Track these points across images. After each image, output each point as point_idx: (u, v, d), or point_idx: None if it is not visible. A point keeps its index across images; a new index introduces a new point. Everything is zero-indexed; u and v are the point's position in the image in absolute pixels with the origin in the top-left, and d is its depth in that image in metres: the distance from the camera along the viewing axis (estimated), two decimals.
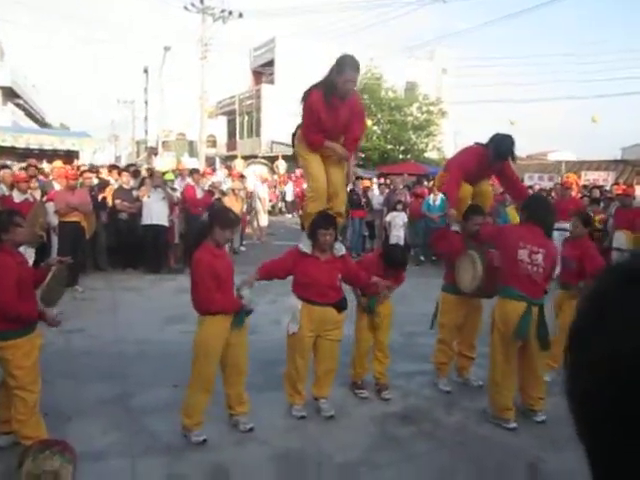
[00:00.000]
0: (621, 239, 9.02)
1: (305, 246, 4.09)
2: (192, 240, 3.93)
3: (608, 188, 13.47)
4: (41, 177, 9.83)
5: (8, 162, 14.63)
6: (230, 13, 23.03)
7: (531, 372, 4.12)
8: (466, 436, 3.96)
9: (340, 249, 4.20)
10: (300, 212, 4.21)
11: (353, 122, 4.15)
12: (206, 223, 3.93)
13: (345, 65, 3.86)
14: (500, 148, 4.57)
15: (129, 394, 4.42)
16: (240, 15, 23.13)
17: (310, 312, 4.04)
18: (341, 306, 4.15)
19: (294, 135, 4.31)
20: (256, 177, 14.80)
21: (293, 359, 4.14)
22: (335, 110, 3.99)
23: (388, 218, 11.19)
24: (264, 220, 13.36)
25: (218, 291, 3.68)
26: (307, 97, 4.01)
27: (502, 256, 4.05)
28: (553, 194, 11.52)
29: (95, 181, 9.74)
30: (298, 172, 18.74)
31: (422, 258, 11.06)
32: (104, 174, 11.01)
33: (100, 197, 9.27)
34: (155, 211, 9.18)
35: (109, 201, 9.34)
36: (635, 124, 72.99)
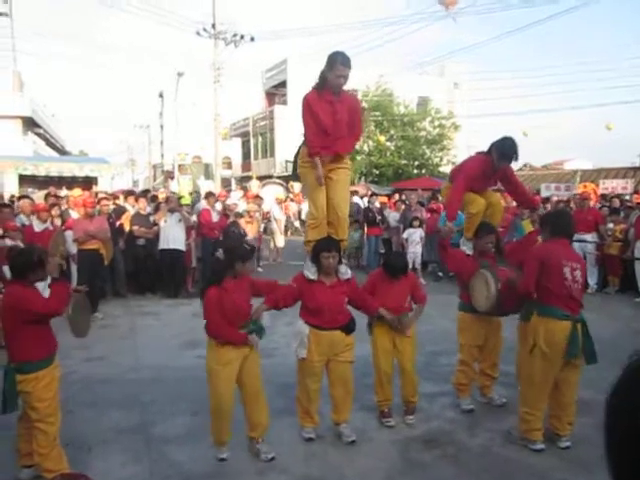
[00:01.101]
0: None
1: (310, 272, 4.05)
2: (211, 278, 3.88)
3: (628, 196, 13.27)
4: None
5: (29, 189, 15.01)
6: (242, 37, 23.40)
7: (565, 395, 4.00)
8: (491, 459, 3.86)
9: (346, 272, 4.16)
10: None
11: (354, 118, 4.16)
12: (223, 259, 3.90)
13: (336, 61, 3.95)
14: (503, 149, 4.53)
15: (148, 422, 4.41)
16: (252, 39, 23.47)
17: (318, 337, 4.00)
18: (349, 328, 4.10)
19: (296, 156, 4.32)
20: (273, 200, 14.87)
21: (303, 383, 4.10)
22: (331, 105, 4.02)
23: (405, 235, 11.13)
24: (281, 241, 13.39)
25: (227, 325, 3.69)
26: (303, 101, 4.09)
27: (547, 275, 3.88)
28: (572, 204, 11.38)
29: (112, 207, 9.85)
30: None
31: (440, 274, 10.96)
32: (121, 200, 11.14)
33: (117, 224, 9.38)
34: (172, 235, 9.25)
35: (126, 227, 9.44)
36: None
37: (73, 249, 8.01)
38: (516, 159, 4.62)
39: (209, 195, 10.96)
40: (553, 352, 3.83)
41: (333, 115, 4.02)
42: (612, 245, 9.66)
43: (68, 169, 16.41)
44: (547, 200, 13.03)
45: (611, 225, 9.74)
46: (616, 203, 10.65)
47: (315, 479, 3.63)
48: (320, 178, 4.06)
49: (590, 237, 9.84)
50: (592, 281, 9.86)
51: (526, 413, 3.96)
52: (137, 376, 5.46)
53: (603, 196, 13.35)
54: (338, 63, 3.94)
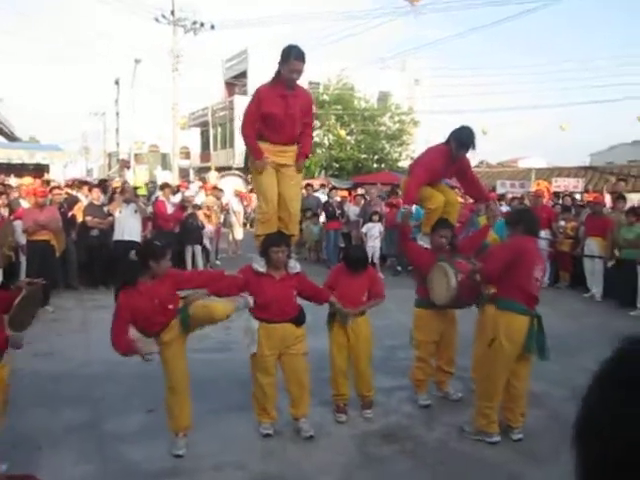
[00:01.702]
0: (592, 246, 9.17)
1: (259, 265, 4.04)
2: (124, 280, 3.75)
3: (578, 195, 13.71)
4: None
5: None
6: (202, 25, 22.96)
7: (517, 388, 4.09)
8: (447, 453, 3.92)
9: (295, 267, 4.16)
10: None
11: (306, 117, 4.19)
12: (135, 262, 3.79)
13: (290, 55, 3.91)
14: (461, 137, 4.61)
15: (101, 420, 4.28)
16: (212, 27, 23.06)
17: (268, 331, 3.99)
18: (299, 320, 4.12)
19: (247, 156, 4.28)
20: (232, 192, 14.69)
21: (257, 379, 4.08)
22: (284, 99, 3.99)
23: (364, 229, 11.19)
24: (239, 233, 13.25)
25: (121, 333, 3.64)
26: (254, 92, 4.09)
27: (517, 270, 3.92)
28: (526, 201, 11.67)
29: (64, 197, 9.52)
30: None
31: (399, 268, 11.07)
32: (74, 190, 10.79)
33: (70, 214, 9.07)
34: (127, 227, 9.00)
35: (79, 218, 9.14)
36: (603, 131, 74.91)
37: (22, 240, 7.71)
38: (473, 147, 4.70)
39: (165, 186, 10.73)
40: (512, 346, 3.91)
41: (285, 109, 4.00)
42: (563, 242, 9.97)
43: (17, 156, 15.74)
44: (502, 197, 13.35)
45: (563, 223, 10.04)
46: (568, 201, 10.99)
47: (273, 475, 3.60)
48: (262, 166, 4.05)
49: (543, 234, 10.12)
50: (544, 277, 10.15)
51: (486, 407, 4.01)
52: (89, 372, 5.30)
53: (556, 194, 13.75)
54: (292, 57, 3.91)
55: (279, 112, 3.99)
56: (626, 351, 0.58)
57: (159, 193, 10.82)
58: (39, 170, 15.55)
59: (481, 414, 4.03)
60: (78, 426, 4.16)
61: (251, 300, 3.99)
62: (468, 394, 4.85)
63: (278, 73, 3.99)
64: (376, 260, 10.84)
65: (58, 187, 9.70)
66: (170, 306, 3.73)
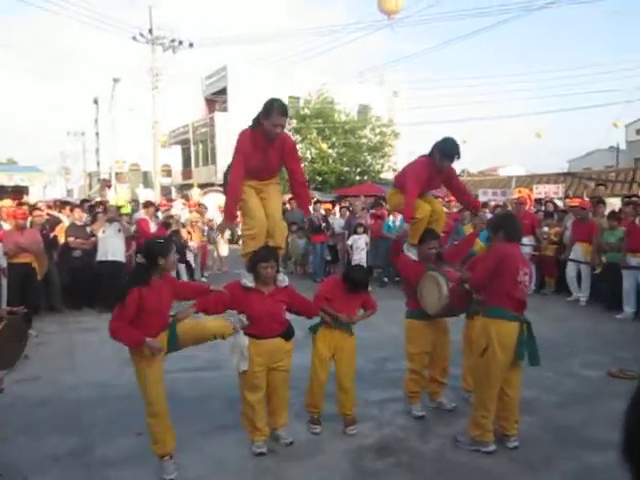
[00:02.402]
0: (579, 251, 9.26)
1: (248, 280, 4.02)
2: (135, 280, 3.67)
3: (559, 201, 13.86)
4: None
5: None
6: (180, 43, 23.00)
7: (511, 396, 4.07)
8: (443, 464, 3.88)
9: (283, 280, 4.15)
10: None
11: (290, 163, 4.27)
12: (145, 261, 3.72)
13: (273, 110, 3.93)
14: (445, 148, 4.63)
15: (89, 446, 4.16)
16: (190, 45, 23.11)
17: (258, 347, 3.95)
18: (288, 334, 4.10)
19: (227, 171, 4.27)
20: (215, 208, 14.62)
21: (246, 397, 4.02)
22: (263, 152, 4.06)
23: (350, 241, 11.19)
24: (224, 250, 13.16)
25: (128, 325, 3.54)
26: (240, 135, 4.10)
27: (502, 276, 3.92)
28: (510, 208, 11.79)
29: (45, 218, 9.37)
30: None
31: (385, 280, 11.07)
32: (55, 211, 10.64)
33: (51, 235, 8.92)
34: (111, 246, 8.90)
35: (60, 239, 9.00)
36: (579, 138, 76.24)
37: (3, 263, 7.55)
38: (458, 158, 4.72)
39: (148, 205, 10.64)
40: (505, 353, 3.89)
41: (264, 161, 4.09)
42: (548, 247, 10.06)
43: None
44: (485, 205, 13.47)
45: (546, 229, 10.14)
46: (550, 207, 11.11)
47: None
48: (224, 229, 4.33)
49: (527, 240, 10.22)
50: (531, 281, 10.23)
51: (482, 417, 3.98)
52: (76, 396, 5.17)
53: (537, 200, 13.91)
54: (275, 112, 3.92)
55: (258, 164, 4.09)
56: None
57: (142, 212, 10.72)
58: (18, 192, 15.36)
59: (476, 424, 4.00)
60: (66, 453, 4.04)
61: (245, 319, 3.94)
62: (461, 403, 4.83)
63: (258, 121, 4.00)
64: (369, 276, 10.82)
65: (38, 208, 9.54)
66: (167, 309, 3.70)
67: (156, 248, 3.69)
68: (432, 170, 4.69)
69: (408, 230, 4.79)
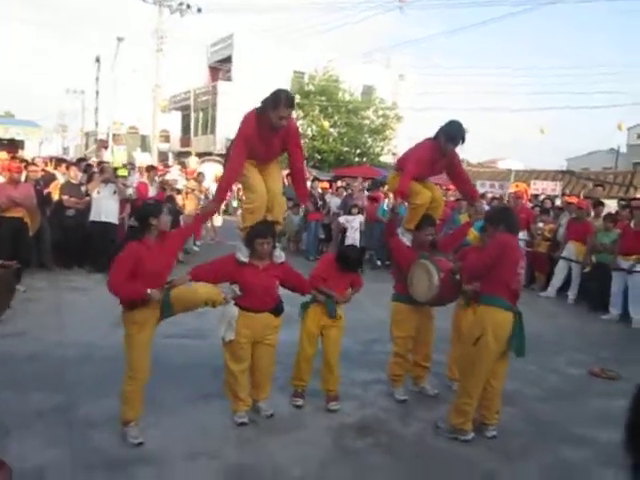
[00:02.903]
0: (571, 250, 9.30)
1: (243, 255, 4.02)
2: (130, 238, 3.71)
3: (558, 200, 13.89)
4: None
5: None
6: (188, 7, 22.62)
7: (495, 386, 4.12)
8: (422, 448, 3.93)
9: (280, 256, 4.16)
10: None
11: (291, 146, 4.24)
12: (136, 225, 3.77)
13: (280, 102, 3.90)
14: (450, 131, 4.59)
15: (73, 404, 4.18)
16: (199, 10, 22.73)
17: (247, 320, 3.96)
18: (278, 310, 4.12)
19: (229, 149, 4.25)
20: (212, 177, 14.52)
21: (229, 367, 4.06)
22: (267, 138, 4.04)
23: (341, 220, 11.18)
24: (218, 220, 13.12)
25: (128, 280, 3.54)
26: (246, 117, 4.05)
27: (503, 266, 3.93)
28: (508, 202, 11.82)
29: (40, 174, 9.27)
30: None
31: (378, 263, 11.09)
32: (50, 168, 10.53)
33: (45, 192, 8.83)
34: (104, 208, 8.84)
35: (54, 196, 8.92)
36: (580, 136, 76.11)
37: None
38: (462, 142, 4.67)
39: (149, 169, 10.56)
40: (498, 342, 3.92)
41: (267, 147, 4.09)
42: (541, 244, 10.10)
43: None
44: (482, 196, 13.48)
45: (541, 224, 10.17)
46: (548, 204, 11.12)
47: (248, 466, 3.56)
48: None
49: (521, 235, 10.25)
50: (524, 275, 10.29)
51: (465, 404, 4.02)
52: (62, 354, 5.17)
53: (534, 196, 13.92)
54: (282, 104, 3.90)
55: (261, 150, 4.08)
56: None
57: (136, 175, 10.64)
58: (13, 146, 15.17)
59: (459, 411, 4.04)
60: (49, 410, 4.05)
61: (237, 289, 3.95)
62: (445, 391, 4.88)
63: (264, 111, 3.95)
64: (362, 256, 10.83)
65: (34, 164, 9.43)
66: (167, 268, 3.72)
67: (147, 209, 3.71)
68: (436, 153, 4.65)
69: (399, 206, 4.76)
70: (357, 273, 4.60)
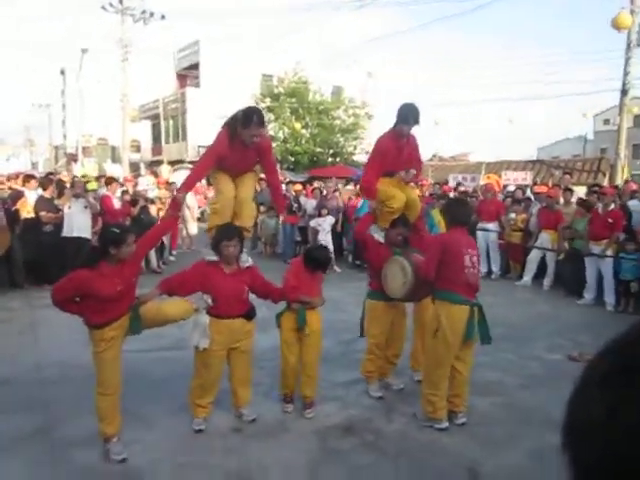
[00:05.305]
0: (545, 239, 9.45)
1: (211, 256, 4.02)
2: (84, 262, 3.63)
3: (528, 189, 14.12)
4: None
5: None
6: (152, 14, 22.39)
7: (462, 374, 4.20)
8: (407, 443, 3.96)
9: (246, 260, 4.15)
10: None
11: (265, 164, 4.39)
12: (96, 247, 3.73)
13: (251, 122, 3.97)
14: (401, 113, 4.60)
15: (53, 424, 4.11)
16: (162, 17, 22.52)
17: (219, 326, 3.94)
18: (249, 316, 4.10)
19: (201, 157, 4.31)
20: None
21: (201, 374, 4.04)
22: (241, 153, 4.10)
23: (312, 223, 11.19)
24: (193, 228, 13.02)
25: (70, 302, 3.60)
26: (218, 137, 4.13)
27: (448, 263, 4.02)
28: (479, 193, 11.95)
29: (7, 192, 9.09)
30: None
31: (357, 262, 11.12)
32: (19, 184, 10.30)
33: (13, 209, 8.65)
34: (77, 222, 8.71)
35: (22, 213, 8.74)
36: (549, 125, 77.42)
37: None
38: (416, 122, 4.64)
39: (111, 181, 10.36)
40: (454, 334, 4.01)
41: (240, 161, 4.17)
42: (512, 234, 10.24)
43: None
44: (455, 189, 13.63)
45: (513, 215, 10.30)
46: (519, 194, 11.28)
47: (235, 472, 3.55)
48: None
49: (492, 226, 10.39)
50: (495, 267, 10.44)
51: (432, 394, 4.12)
52: (39, 375, 5.08)
53: (504, 187, 14.10)
54: (253, 124, 3.97)
55: (234, 164, 4.17)
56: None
57: (104, 188, 10.44)
58: None
59: (427, 401, 4.13)
60: (30, 432, 3.98)
61: (210, 300, 3.92)
62: (414, 384, 4.93)
63: (235, 128, 4.02)
64: (330, 254, 10.85)
65: (1, 182, 9.24)
66: (127, 292, 3.64)
67: (109, 237, 3.58)
68: (397, 141, 4.67)
69: (372, 208, 4.79)
70: (324, 272, 4.57)
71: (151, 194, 11.60)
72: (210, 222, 4.29)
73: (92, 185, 9.78)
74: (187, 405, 4.28)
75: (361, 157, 26.91)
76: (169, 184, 12.65)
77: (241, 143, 4.04)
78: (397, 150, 4.68)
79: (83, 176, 9.85)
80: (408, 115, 4.60)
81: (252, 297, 4.23)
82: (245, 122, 3.96)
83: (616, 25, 12.76)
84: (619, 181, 14.98)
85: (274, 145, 24.22)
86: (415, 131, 4.77)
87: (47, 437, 3.94)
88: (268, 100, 25.55)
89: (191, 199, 13.51)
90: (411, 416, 4.34)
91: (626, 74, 15.09)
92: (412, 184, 5.18)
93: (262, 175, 5.02)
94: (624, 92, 15.34)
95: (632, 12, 13.83)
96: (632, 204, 8.96)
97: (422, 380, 4.36)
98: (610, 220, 8.13)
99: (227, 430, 4.09)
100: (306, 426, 4.19)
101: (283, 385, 4.46)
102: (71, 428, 4.03)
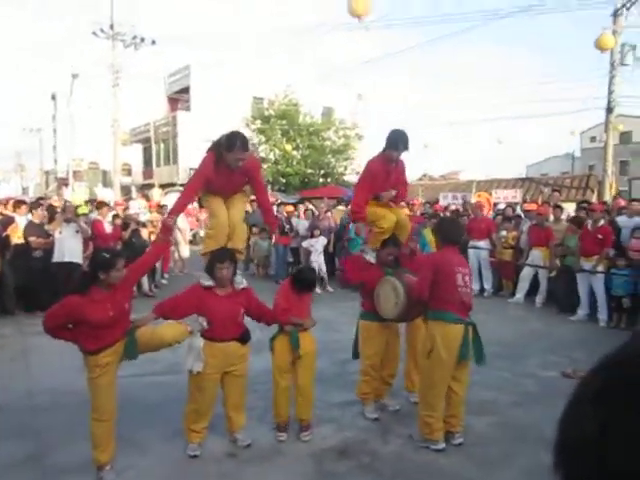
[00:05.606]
0: (536, 256, 9.50)
1: (205, 280, 4.03)
2: (75, 288, 3.63)
3: (518, 206, 14.24)
4: None
5: None
6: (142, 40, 22.59)
7: (458, 394, 4.19)
8: (403, 465, 3.93)
9: (241, 282, 4.15)
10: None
11: (254, 185, 4.45)
12: (87, 271, 3.74)
13: (234, 146, 4.02)
14: (390, 138, 4.66)
15: (45, 452, 4.05)
16: (153, 42, 22.73)
17: (213, 349, 3.93)
18: (244, 338, 4.09)
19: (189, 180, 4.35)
20: None
21: (196, 399, 4.00)
22: (228, 176, 4.15)
23: (305, 244, 11.21)
24: (185, 251, 12.99)
25: (62, 329, 3.61)
26: (204, 160, 4.17)
27: (440, 282, 4.03)
28: (470, 212, 12.03)
29: None
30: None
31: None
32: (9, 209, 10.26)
33: (3, 235, 8.61)
34: (68, 247, 8.66)
35: (12, 239, 8.70)
36: (537, 143, 78.33)
37: None
38: (405, 147, 4.69)
39: (101, 205, 10.36)
40: (449, 355, 4.01)
41: (228, 183, 4.22)
42: (504, 252, 10.30)
43: None
44: (445, 209, 13.72)
45: (504, 232, 10.37)
46: (509, 212, 11.37)
47: None
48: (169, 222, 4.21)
49: (483, 244, 10.45)
50: (487, 285, 10.47)
51: (428, 416, 4.10)
52: (31, 402, 5.02)
53: (494, 205, 14.23)
54: (237, 148, 4.02)
55: (221, 186, 4.22)
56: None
57: (94, 212, 10.43)
58: None
59: (424, 423, 4.11)
60: (22, 459, 3.92)
61: (205, 322, 3.91)
62: (410, 405, 4.90)
63: (220, 154, 4.07)
64: (323, 274, 10.88)
65: None
66: (121, 317, 3.63)
67: (98, 262, 3.58)
68: (386, 164, 4.73)
69: (359, 229, 4.82)
70: (311, 292, 4.55)
71: (142, 217, 11.59)
72: (205, 246, 4.30)
73: (83, 209, 9.76)
74: (181, 430, 4.24)
75: (352, 177, 27.06)
76: (160, 207, 12.65)
77: (227, 166, 4.09)
78: (386, 174, 4.75)
79: (77, 207, 9.79)
80: (398, 141, 4.66)
81: (246, 319, 4.22)
82: (229, 146, 4.02)
83: (599, 46, 13.04)
84: (607, 197, 15.16)
85: (265, 167, 24.37)
86: (404, 155, 4.83)
87: (39, 464, 3.89)
88: (259, 122, 25.72)
89: (183, 222, 13.50)
90: (407, 437, 4.32)
91: (610, 92, 15.38)
92: (403, 203, 5.22)
93: (253, 197, 5.04)
94: (609, 110, 15.62)
95: (614, 32, 14.18)
96: (620, 220, 9.06)
97: (418, 401, 4.33)
98: (600, 236, 8.21)
99: (222, 455, 4.05)
100: (301, 449, 4.15)
101: (276, 414, 4.39)
102: (63, 455, 3.98)
